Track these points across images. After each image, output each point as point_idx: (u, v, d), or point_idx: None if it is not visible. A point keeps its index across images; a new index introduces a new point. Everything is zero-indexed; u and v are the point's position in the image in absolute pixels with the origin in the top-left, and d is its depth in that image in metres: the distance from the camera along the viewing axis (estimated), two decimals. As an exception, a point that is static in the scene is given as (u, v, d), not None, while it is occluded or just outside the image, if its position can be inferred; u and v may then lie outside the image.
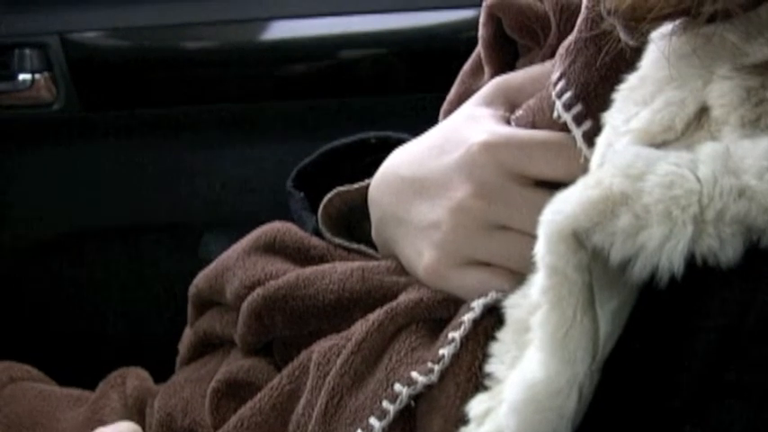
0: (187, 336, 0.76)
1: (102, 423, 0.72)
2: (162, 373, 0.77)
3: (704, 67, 0.47)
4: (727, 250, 0.42)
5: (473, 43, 0.73)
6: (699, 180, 0.43)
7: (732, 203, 0.42)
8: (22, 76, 1.17)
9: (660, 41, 0.50)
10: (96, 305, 1.27)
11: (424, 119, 0.68)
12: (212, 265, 0.72)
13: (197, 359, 0.74)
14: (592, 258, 0.44)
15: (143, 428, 0.72)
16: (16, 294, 1.27)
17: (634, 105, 0.49)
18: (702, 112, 0.47)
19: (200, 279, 0.73)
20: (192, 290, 0.74)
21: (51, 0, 1.18)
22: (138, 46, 1.18)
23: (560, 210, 0.44)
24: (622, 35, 0.50)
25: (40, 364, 0.84)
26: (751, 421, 0.42)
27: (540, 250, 0.45)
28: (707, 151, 0.44)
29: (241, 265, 0.69)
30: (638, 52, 0.52)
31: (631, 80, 0.51)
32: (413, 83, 1.16)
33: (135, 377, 0.79)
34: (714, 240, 0.42)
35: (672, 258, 0.42)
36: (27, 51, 1.16)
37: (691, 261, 0.42)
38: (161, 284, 1.23)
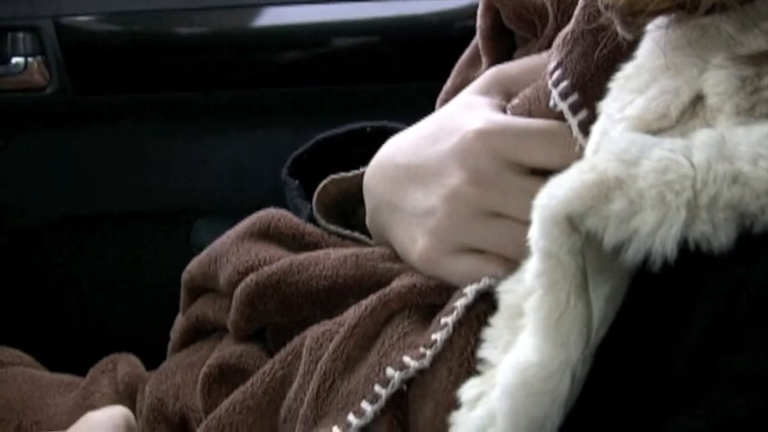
0: (179, 322, 0.76)
1: (93, 408, 0.72)
2: (154, 359, 0.77)
3: (699, 57, 0.47)
4: (720, 235, 0.42)
5: (466, 32, 0.73)
6: (693, 165, 0.43)
7: (726, 189, 0.42)
8: (14, 60, 1.16)
9: (655, 32, 0.50)
10: (88, 291, 1.27)
11: (416, 106, 0.68)
12: (206, 252, 0.72)
13: (189, 345, 0.74)
14: (585, 243, 0.45)
15: (134, 414, 0.72)
16: (8, 280, 1.27)
17: (629, 94, 0.50)
18: (697, 100, 0.47)
19: (194, 265, 0.73)
20: (185, 276, 0.74)
21: (45, -17, 1.17)
22: (132, 30, 1.17)
23: (554, 194, 0.45)
24: (620, 29, 0.50)
25: (31, 348, 0.84)
26: (747, 406, 0.42)
27: (534, 234, 0.46)
28: (702, 138, 0.44)
29: (235, 251, 0.69)
30: (634, 42, 0.52)
31: (627, 69, 0.51)
32: (406, 71, 1.16)
33: (126, 363, 0.79)
34: (707, 225, 0.42)
35: (665, 243, 0.42)
36: (20, 35, 1.16)
37: (684, 246, 0.42)
38: (152, 271, 1.22)
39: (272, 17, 1.17)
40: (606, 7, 0.50)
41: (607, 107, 0.51)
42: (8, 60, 1.16)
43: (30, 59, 1.16)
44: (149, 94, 1.20)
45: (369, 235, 0.69)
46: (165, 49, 1.17)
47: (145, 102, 1.21)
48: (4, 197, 1.24)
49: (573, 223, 0.44)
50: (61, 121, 1.22)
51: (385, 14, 1.16)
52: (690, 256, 0.43)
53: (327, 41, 1.18)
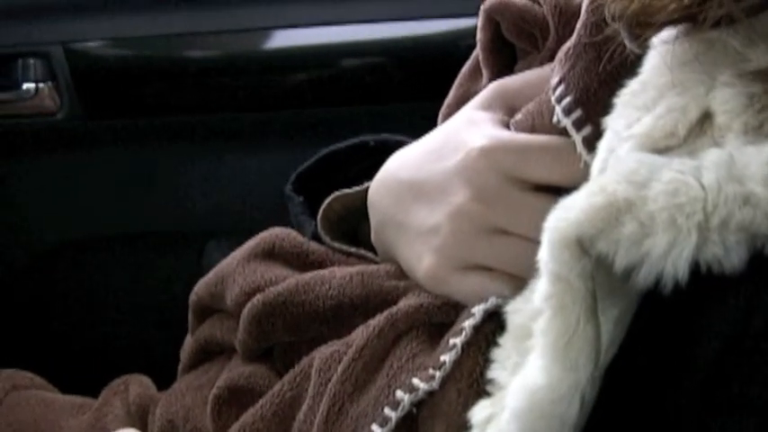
0: (188, 343, 0.76)
1: (105, 430, 0.72)
2: (165, 380, 0.77)
3: (706, 73, 0.47)
4: (732, 257, 0.42)
5: (471, 52, 0.73)
6: (703, 187, 0.43)
7: (737, 211, 0.42)
8: (25, 86, 1.17)
9: (661, 47, 0.50)
10: (99, 313, 1.27)
11: (422, 127, 0.67)
12: (212, 273, 0.72)
13: (198, 366, 0.74)
14: (595, 266, 0.44)
15: (145, 435, 0.72)
16: (19, 303, 1.27)
17: (636, 110, 0.49)
18: (705, 118, 0.47)
19: (201, 286, 0.73)
20: (192, 297, 0.74)
21: (54, 10, 1.18)
22: (141, 55, 1.18)
23: (564, 217, 0.44)
24: (627, 42, 0.50)
25: (44, 371, 0.84)
26: (755, 430, 0.42)
27: (544, 257, 0.45)
28: (711, 158, 0.44)
29: (241, 272, 0.69)
30: (637, 57, 0.52)
31: (633, 85, 0.51)
32: (411, 91, 1.16)
33: (138, 384, 0.79)
34: (719, 248, 0.42)
35: (677, 266, 0.42)
36: (30, 61, 1.17)
37: (695, 268, 0.42)
38: (164, 293, 1.23)
39: (279, 40, 1.18)
40: (613, 18, 0.49)
41: (613, 123, 0.51)
42: (19, 86, 1.18)
43: (40, 85, 1.17)
44: (159, 118, 1.21)
45: (374, 251, 0.69)
46: (173, 73, 1.18)
47: (154, 125, 1.22)
48: (16, 221, 1.26)
49: (583, 246, 0.44)
50: (72, 146, 1.23)
51: (391, 35, 1.17)
52: (701, 278, 0.42)
53: (334, 63, 1.19)
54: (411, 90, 1.17)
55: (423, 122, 0.69)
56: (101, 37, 1.18)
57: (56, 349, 1.25)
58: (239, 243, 0.73)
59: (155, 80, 1.19)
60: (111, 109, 1.20)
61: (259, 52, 1.19)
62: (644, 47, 0.50)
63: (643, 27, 0.48)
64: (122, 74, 1.19)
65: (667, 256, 0.42)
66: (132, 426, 0.73)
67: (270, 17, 1.17)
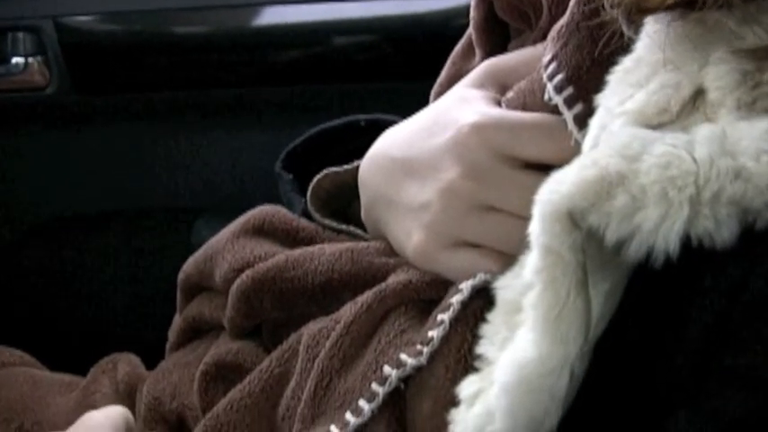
0: (176, 322, 0.76)
1: (93, 408, 0.71)
2: (154, 359, 0.77)
3: (699, 51, 0.47)
4: (723, 231, 0.42)
5: (464, 31, 0.73)
6: (695, 161, 0.43)
7: (728, 185, 0.42)
8: (15, 60, 1.17)
9: (655, 25, 0.50)
10: (89, 290, 1.27)
11: (414, 105, 0.67)
12: (201, 250, 0.72)
13: (186, 345, 0.74)
14: (586, 239, 0.44)
15: (133, 414, 0.72)
16: (9, 279, 1.27)
17: (629, 87, 0.49)
18: (698, 94, 0.46)
19: (189, 264, 0.73)
20: (180, 276, 0.74)
21: (44, -17, 1.18)
22: (132, 30, 1.18)
23: (556, 190, 0.44)
24: (624, 28, 0.50)
25: (32, 349, 0.84)
26: (747, 405, 0.42)
27: (535, 230, 0.45)
28: (703, 133, 0.44)
29: (230, 249, 0.69)
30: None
31: (626, 62, 0.50)
32: (403, 69, 1.16)
33: (126, 363, 0.78)
34: (710, 221, 0.42)
35: (668, 239, 0.42)
36: (20, 35, 1.17)
37: (686, 242, 0.42)
38: (153, 270, 1.23)
39: (271, 16, 1.18)
40: (612, 5, 0.49)
41: (606, 100, 0.51)
42: (8, 60, 1.18)
43: (30, 59, 1.17)
44: (149, 94, 1.21)
45: (364, 229, 0.69)
46: (164, 48, 1.18)
47: (145, 101, 1.22)
48: (4, 196, 1.25)
49: (574, 219, 0.44)
50: (61, 121, 1.23)
51: (384, 13, 1.17)
52: (692, 251, 0.42)
53: (327, 40, 1.19)
54: (403, 69, 1.17)
55: (415, 101, 0.69)
56: (91, 11, 1.18)
57: (45, 327, 1.25)
58: (229, 220, 0.73)
59: (144, 56, 1.18)
60: (101, 84, 1.20)
61: (250, 28, 1.19)
62: (638, 24, 0.50)
63: (641, 13, 0.48)
64: (112, 49, 1.19)
65: (658, 229, 0.42)
66: (120, 404, 0.72)
67: (261, -7, 1.17)
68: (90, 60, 1.18)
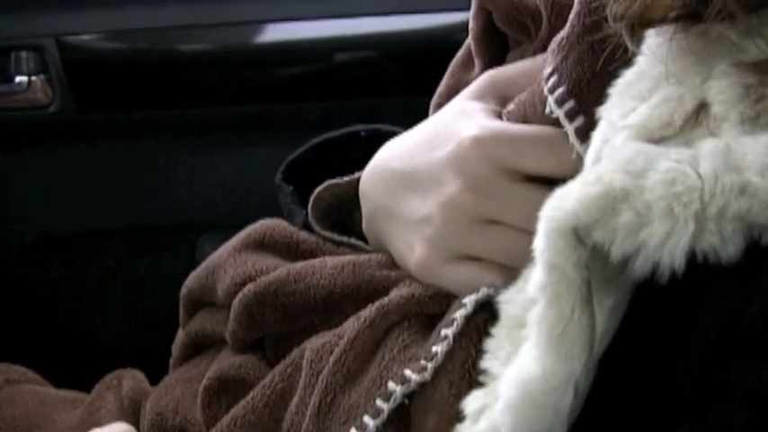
0: (179, 337, 0.76)
1: (98, 424, 0.71)
2: (158, 375, 0.77)
3: (702, 64, 0.47)
4: (729, 247, 0.42)
5: (466, 46, 0.73)
6: (700, 177, 0.42)
7: (734, 200, 0.42)
8: (18, 79, 1.18)
9: (657, 38, 0.49)
10: (92, 307, 1.27)
11: (417, 121, 0.67)
12: (203, 265, 0.72)
13: (189, 360, 0.74)
14: (591, 255, 0.44)
15: (137, 430, 0.71)
16: (12, 296, 1.27)
17: (631, 100, 0.49)
18: (700, 108, 0.46)
19: (192, 279, 0.73)
20: (183, 291, 0.74)
21: (47, 2, 1.18)
22: (134, 48, 1.18)
23: (560, 206, 0.44)
24: (627, 42, 0.50)
25: (37, 366, 0.84)
26: (751, 421, 0.42)
27: (539, 246, 0.45)
28: (707, 148, 0.43)
29: (232, 263, 0.69)
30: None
31: (628, 75, 0.50)
32: (406, 85, 1.17)
33: (131, 379, 0.78)
34: (715, 237, 0.42)
35: (673, 255, 0.42)
36: (23, 54, 1.17)
37: (691, 258, 0.42)
38: (157, 287, 1.23)
39: (274, 33, 1.19)
40: (615, 19, 0.49)
41: (608, 113, 0.51)
42: (11, 79, 1.18)
43: (33, 78, 1.18)
44: (152, 111, 1.21)
45: (365, 241, 0.68)
46: (167, 66, 1.19)
47: (148, 119, 1.22)
48: (8, 213, 1.25)
49: (579, 236, 0.44)
50: (64, 139, 1.23)
51: (385, 29, 1.17)
52: (697, 267, 0.42)
53: (329, 57, 1.19)
54: (404, 84, 1.17)
55: (416, 117, 0.69)
56: (93, 30, 1.18)
57: (49, 344, 1.25)
58: (233, 237, 0.73)
59: (147, 73, 1.19)
60: (104, 102, 1.20)
61: (252, 46, 1.19)
62: (640, 38, 0.50)
63: (644, 26, 0.48)
64: (114, 67, 1.19)
65: (664, 245, 0.42)
66: (125, 420, 0.72)
67: (263, 11, 1.17)
68: (92, 78, 1.19)
